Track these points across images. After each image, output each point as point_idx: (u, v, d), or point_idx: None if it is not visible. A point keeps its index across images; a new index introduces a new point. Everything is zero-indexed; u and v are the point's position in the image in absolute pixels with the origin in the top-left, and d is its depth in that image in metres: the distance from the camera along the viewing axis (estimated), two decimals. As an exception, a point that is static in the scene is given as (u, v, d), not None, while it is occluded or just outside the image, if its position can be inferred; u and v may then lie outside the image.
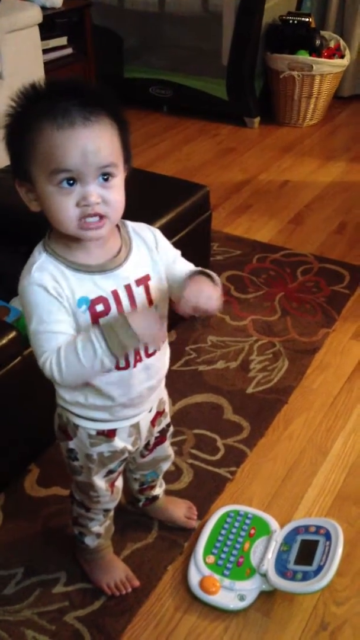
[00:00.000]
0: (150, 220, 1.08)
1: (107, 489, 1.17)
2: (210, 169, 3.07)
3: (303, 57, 3.28)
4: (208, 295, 0.93)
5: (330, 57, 3.36)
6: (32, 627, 1.22)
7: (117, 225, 0.99)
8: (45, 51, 2.98)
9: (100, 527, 1.25)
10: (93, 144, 0.85)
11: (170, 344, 1.13)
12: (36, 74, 2.77)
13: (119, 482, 1.22)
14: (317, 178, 2.98)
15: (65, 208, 0.88)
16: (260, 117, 3.50)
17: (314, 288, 2.19)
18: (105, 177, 0.88)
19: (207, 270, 1.00)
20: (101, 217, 0.89)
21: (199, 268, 1.02)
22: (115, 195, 0.90)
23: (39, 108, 0.86)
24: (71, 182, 0.87)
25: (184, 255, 1.08)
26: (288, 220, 2.63)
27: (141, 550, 1.36)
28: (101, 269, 0.95)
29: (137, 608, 1.26)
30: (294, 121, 3.51)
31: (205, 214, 1.97)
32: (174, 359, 1.09)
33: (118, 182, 0.91)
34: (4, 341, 1.31)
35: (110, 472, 1.14)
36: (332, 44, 3.46)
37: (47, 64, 2.95)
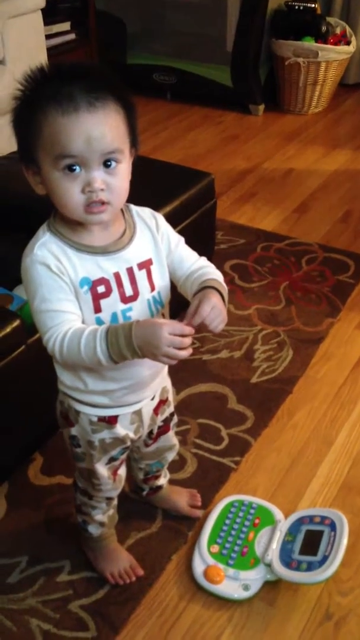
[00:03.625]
0: (154, 208, 1.07)
1: (110, 476, 1.16)
2: (214, 157, 3.04)
3: (308, 43, 3.24)
4: (222, 319, 0.94)
5: (336, 43, 3.32)
6: (36, 615, 1.22)
7: (122, 209, 0.98)
8: (48, 36, 2.96)
9: (103, 515, 1.24)
10: (97, 130, 0.85)
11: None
12: (39, 59, 2.74)
13: (122, 471, 1.21)
14: (322, 166, 2.96)
15: (71, 194, 0.88)
16: (264, 104, 3.47)
17: (319, 277, 2.18)
18: (110, 163, 0.88)
19: (219, 284, 0.99)
20: (103, 202, 0.89)
21: (212, 277, 1.01)
22: (119, 181, 0.90)
23: (45, 92, 0.85)
24: (75, 167, 0.86)
25: (188, 244, 1.07)
26: (293, 209, 2.61)
27: (145, 540, 1.36)
28: (104, 251, 0.95)
29: (141, 597, 1.25)
30: (299, 109, 3.47)
31: (210, 202, 1.95)
32: (177, 348, 1.08)
33: (123, 168, 0.90)
34: (7, 330, 1.30)
35: (112, 459, 1.14)
36: (338, 31, 3.42)
37: (49, 49, 2.93)
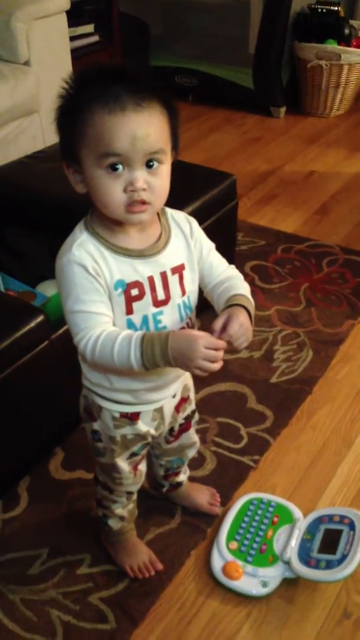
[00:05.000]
0: (177, 208, 1.07)
1: (130, 471, 1.18)
2: (236, 159, 3.05)
3: (331, 46, 3.24)
4: (247, 338, 0.96)
5: (359, 46, 3.32)
6: (56, 606, 1.24)
7: (158, 213, 0.99)
8: (72, 38, 2.99)
9: (123, 509, 1.26)
10: (143, 129, 0.86)
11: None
12: (63, 61, 2.77)
13: (143, 466, 1.22)
14: (343, 169, 2.96)
15: (113, 193, 0.89)
16: (286, 106, 3.47)
17: (340, 279, 2.18)
18: (152, 163, 0.89)
19: (247, 300, 1.01)
20: (144, 202, 0.90)
21: (241, 293, 1.02)
22: (160, 182, 0.91)
23: (92, 92, 0.86)
24: (118, 166, 0.87)
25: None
26: (313, 211, 2.61)
27: (164, 535, 1.37)
28: (140, 254, 0.96)
29: (160, 591, 1.27)
30: (321, 111, 3.47)
31: (232, 203, 1.95)
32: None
33: (164, 169, 0.91)
34: (32, 325, 1.32)
35: (133, 454, 1.15)
36: (360, 33, 3.42)
37: (73, 51, 2.96)
